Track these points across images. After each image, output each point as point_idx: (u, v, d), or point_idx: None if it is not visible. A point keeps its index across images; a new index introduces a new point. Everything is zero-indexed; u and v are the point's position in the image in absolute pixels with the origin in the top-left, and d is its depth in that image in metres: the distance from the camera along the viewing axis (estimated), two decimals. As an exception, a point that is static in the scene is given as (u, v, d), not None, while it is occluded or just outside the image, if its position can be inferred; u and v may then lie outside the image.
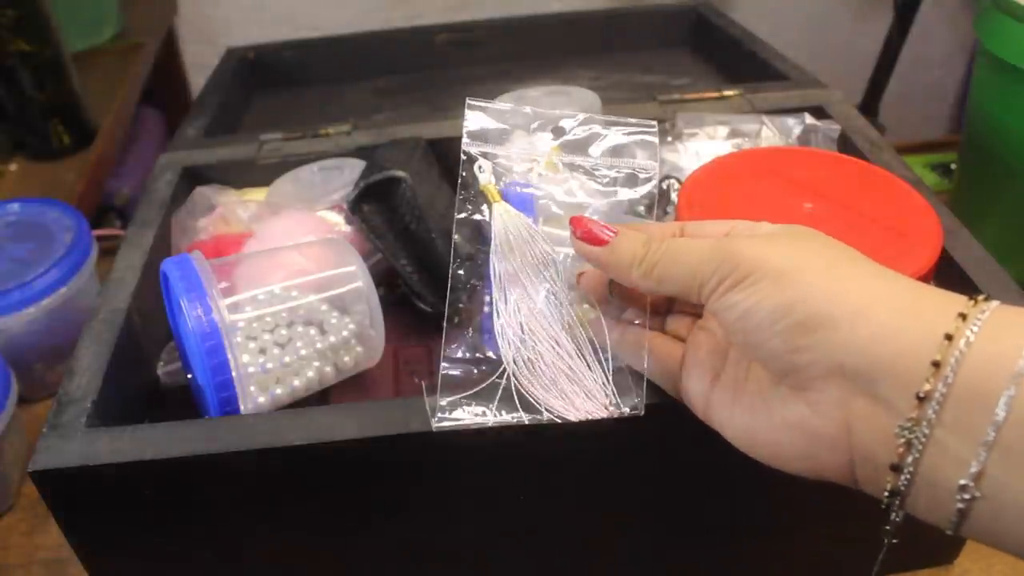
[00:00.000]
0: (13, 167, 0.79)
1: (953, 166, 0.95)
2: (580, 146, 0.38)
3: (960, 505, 0.24)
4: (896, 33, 1.01)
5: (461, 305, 0.36)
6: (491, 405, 0.34)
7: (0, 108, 0.78)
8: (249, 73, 0.85)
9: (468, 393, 0.34)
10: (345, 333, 0.44)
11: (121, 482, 0.36)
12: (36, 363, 0.61)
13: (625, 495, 0.42)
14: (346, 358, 0.44)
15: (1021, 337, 0.24)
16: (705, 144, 0.58)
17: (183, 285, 0.39)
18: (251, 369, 0.41)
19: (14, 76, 0.75)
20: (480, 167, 0.37)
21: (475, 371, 0.35)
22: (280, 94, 0.86)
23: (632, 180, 0.38)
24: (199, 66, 1.21)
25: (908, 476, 0.25)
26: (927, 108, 1.37)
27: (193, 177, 0.60)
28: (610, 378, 0.34)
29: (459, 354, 0.35)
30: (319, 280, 0.45)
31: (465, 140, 0.37)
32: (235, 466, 0.36)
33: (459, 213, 0.37)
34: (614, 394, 0.34)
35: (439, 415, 0.34)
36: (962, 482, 0.24)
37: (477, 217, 0.37)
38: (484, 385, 0.34)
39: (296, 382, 0.42)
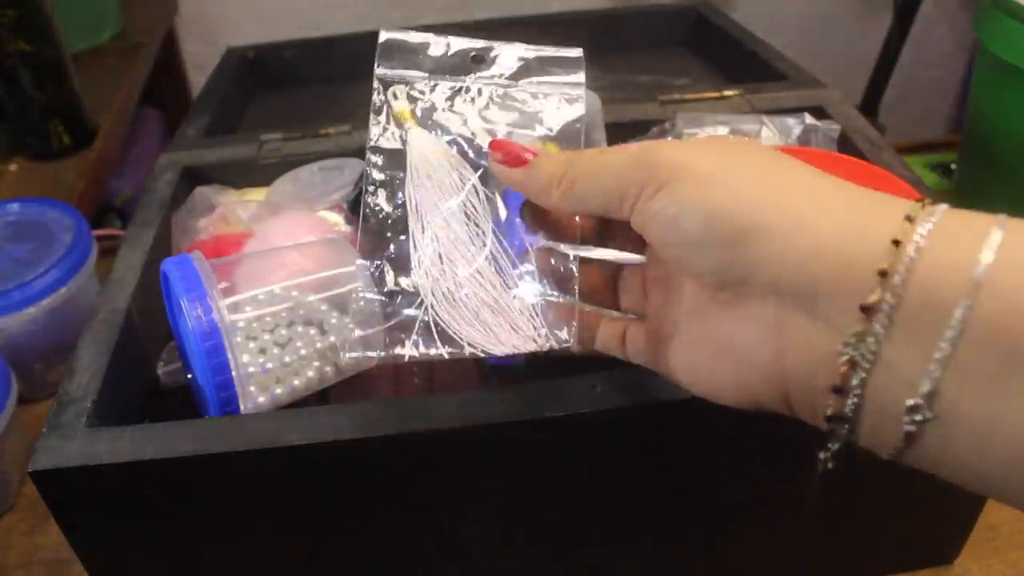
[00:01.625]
0: (13, 167, 0.79)
1: (953, 166, 0.95)
2: (501, 72, 0.36)
3: (909, 428, 0.22)
4: (896, 33, 1.01)
5: (374, 235, 0.33)
6: (408, 339, 0.32)
7: (0, 108, 0.78)
8: (249, 73, 0.85)
9: (384, 327, 0.32)
10: (345, 333, 0.44)
11: (121, 482, 0.36)
12: (36, 363, 0.61)
13: (625, 494, 0.42)
14: (346, 358, 0.44)
15: (977, 242, 0.21)
16: (705, 144, 0.58)
17: (183, 285, 0.39)
18: (251, 369, 0.41)
19: (14, 76, 0.75)
20: (395, 93, 0.35)
21: (391, 305, 0.32)
22: (280, 94, 0.86)
23: (558, 104, 0.36)
24: (199, 66, 1.21)
25: (855, 399, 0.23)
26: (927, 108, 1.37)
27: (193, 177, 0.60)
28: (539, 310, 0.32)
29: (375, 287, 0.33)
30: (319, 280, 0.45)
31: (378, 67, 0.35)
32: (235, 466, 0.36)
33: (372, 140, 0.34)
34: (543, 326, 0.32)
35: (350, 348, 0.32)
36: (911, 403, 0.22)
37: (391, 144, 0.35)
38: (400, 319, 0.32)
39: (296, 382, 0.42)
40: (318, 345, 0.43)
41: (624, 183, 0.28)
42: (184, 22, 1.20)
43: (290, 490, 0.38)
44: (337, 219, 0.55)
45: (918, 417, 0.22)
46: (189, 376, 0.46)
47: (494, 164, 0.32)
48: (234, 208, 0.55)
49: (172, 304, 0.45)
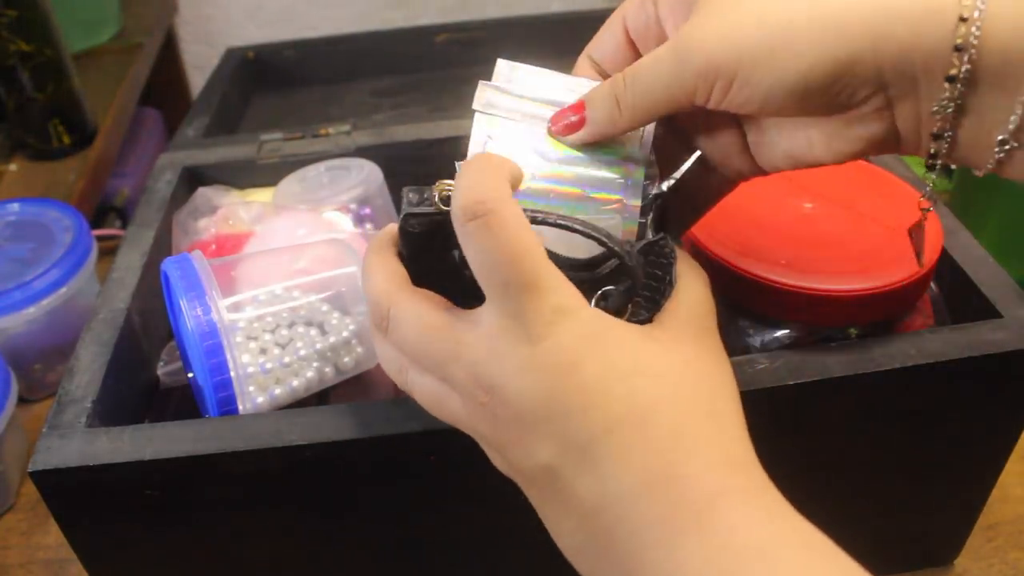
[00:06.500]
0: (13, 167, 0.79)
1: (953, 166, 0.95)
2: None
3: (999, 155, 0.27)
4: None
5: None
6: None
7: (0, 108, 0.78)
8: (249, 73, 0.85)
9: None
10: (345, 334, 0.44)
11: (121, 482, 0.36)
12: (36, 363, 0.61)
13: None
14: (346, 359, 0.44)
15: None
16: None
17: (183, 285, 0.40)
18: (250, 369, 0.41)
19: (14, 76, 0.75)
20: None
21: None
22: (280, 94, 0.86)
23: None
24: (199, 66, 1.21)
25: (948, 140, 0.29)
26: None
27: (193, 177, 0.60)
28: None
29: None
30: (320, 280, 0.45)
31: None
32: (235, 466, 0.36)
33: None
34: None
35: None
36: (1000, 137, 0.27)
37: None
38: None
39: (296, 382, 0.42)
40: (318, 346, 0.43)
41: (684, 88, 0.30)
42: (184, 22, 1.20)
43: (290, 490, 0.38)
44: (342, 219, 0.55)
45: (1006, 147, 0.27)
46: (189, 376, 0.46)
47: (557, 138, 0.34)
48: (236, 208, 0.55)
49: (172, 304, 0.45)
